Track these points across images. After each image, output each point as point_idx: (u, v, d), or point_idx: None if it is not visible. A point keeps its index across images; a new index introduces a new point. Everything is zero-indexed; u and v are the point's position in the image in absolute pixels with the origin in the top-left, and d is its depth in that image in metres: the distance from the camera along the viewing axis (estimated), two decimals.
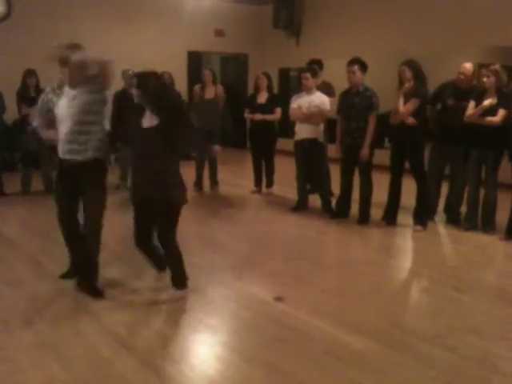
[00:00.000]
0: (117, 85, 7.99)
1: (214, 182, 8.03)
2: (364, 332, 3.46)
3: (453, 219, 6.11)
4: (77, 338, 3.36)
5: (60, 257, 4.97)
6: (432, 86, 5.98)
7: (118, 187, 8.17)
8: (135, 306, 3.86)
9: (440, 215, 6.31)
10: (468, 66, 5.81)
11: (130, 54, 9.89)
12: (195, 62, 11.95)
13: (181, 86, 9.20)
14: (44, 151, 7.59)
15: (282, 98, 8.01)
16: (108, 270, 4.57)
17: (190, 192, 7.24)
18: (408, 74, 5.64)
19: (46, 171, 7.72)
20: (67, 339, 3.34)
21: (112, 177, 8.46)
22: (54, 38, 9.71)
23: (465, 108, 5.62)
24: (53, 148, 4.11)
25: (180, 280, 3.96)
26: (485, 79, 5.48)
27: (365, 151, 5.89)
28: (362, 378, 2.93)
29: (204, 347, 3.38)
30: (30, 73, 7.33)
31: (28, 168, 7.62)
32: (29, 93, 7.35)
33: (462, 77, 5.80)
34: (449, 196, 6.21)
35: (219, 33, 11.96)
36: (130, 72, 7.95)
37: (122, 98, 7.92)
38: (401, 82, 5.71)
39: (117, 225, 6.42)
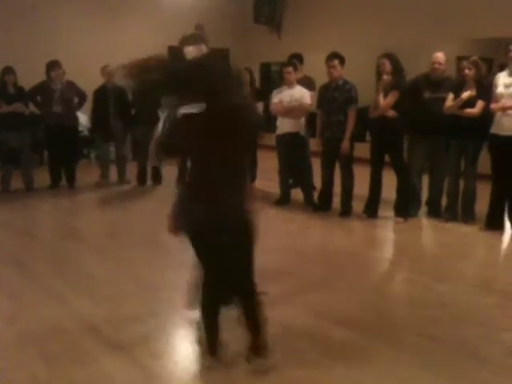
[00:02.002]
0: (97, 81, 7.97)
1: None
2: (347, 323, 3.49)
3: (434, 211, 6.16)
4: (60, 336, 3.34)
5: (43, 256, 4.96)
6: (410, 78, 6.02)
7: (98, 185, 8.13)
8: (117, 302, 3.84)
9: (422, 207, 6.35)
10: (440, 55, 5.85)
11: (111, 49, 9.81)
12: (175, 57, 11.87)
13: None
14: (25, 149, 7.53)
15: (263, 93, 8.00)
16: (92, 265, 4.56)
17: (172, 189, 7.22)
18: (388, 66, 5.68)
19: (27, 169, 7.66)
20: (51, 337, 3.32)
21: (93, 175, 8.43)
22: (33, 36, 9.69)
23: (441, 99, 5.67)
24: None
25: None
26: (466, 71, 5.51)
27: (345, 144, 5.92)
28: (347, 369, 2.95)
29: (187, 343, 3.38)
30: (8, 70, 7.25)
31: (8, 166, 7.53)
32: (7, 90, 7.28)
33: (436, 66, 5.83)
34: (430, 188, 6.25)
35: (200, 27, 11.90)
36: (109, 68, 7.91)
37: (101, 94, 7.91)
38: (379, 75, 5.75)
39: (99, 224, 6.40)
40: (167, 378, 2.94)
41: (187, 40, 3.30)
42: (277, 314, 3.63)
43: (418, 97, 5.89)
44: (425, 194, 6.30)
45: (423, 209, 6.29)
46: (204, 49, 3.29)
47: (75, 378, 2.88)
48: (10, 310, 3.71)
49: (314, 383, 2.84)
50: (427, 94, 5.86)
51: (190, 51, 3.27)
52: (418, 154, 6.06)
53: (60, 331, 3.40)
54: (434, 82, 5.87)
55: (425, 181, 6.22)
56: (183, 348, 3.34)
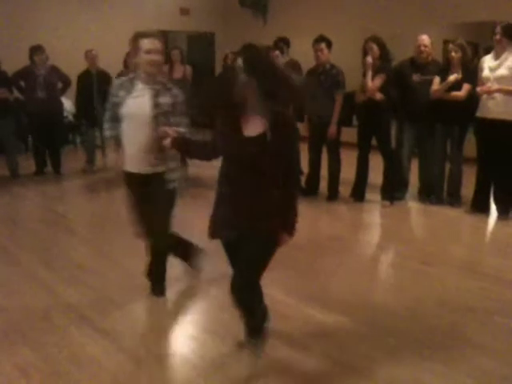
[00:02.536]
0: (81, 66, 7.87)
1: (183, 162, 7.96)
2: (334, 308, 3.51)
3: (426, 195, 6.14)
4: (46, 324, 3.32)
5: (28, 244, 4.91)
6: (396, 62, 6.01)
7: (85, 171, 8.06)
8: (103, 290, 3.83)
9: (410, 191, 6.35)
10: (425, 37, 5.84)
11: (96, 34, 9.72)
12: None
13: None
14: (9, 136, 7.43)
15: None
16: (77, 254, 4.53)
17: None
18: (376, 51, 5.66)
19: (11, 156, 7.56)
20: (37, 325, 3.31)
21: (78, 161, 8.36)
22: (16, 21, 9.51)
23: (430, 82, 5.66)
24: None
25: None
26: (453, 54, 5.52)
27: (332, 129, 5.91)
28: (335, 352, 2.98)
29: (175, 327, 3.39)
30: None
31: None
32: None
33: (422, 48, 5.81)
34: (421, 174, 6.21)
35: (185, 11, 11.78)
36: (93, 52, 7.82)
37: (85, 78, 7.82)
38: (365, 57, 5.73)
39: (85, 211, 6.36)
40: (154, 362, 2.94)
41: (143, 34, 3.34)
42: (266, 301, 3.65)
43: (404, 82, 5.87)
44: (412, 178, 6.31)
45: (413, 194, 6.30)
46: (157, 43, 3.30)
47: (62, 364, 2.87)
48: None
49: (305, 366, 2.85)
50: (416, 78, 5.84)
51: (145, 44, 3.27)
52: (406, 139, 6.05)
53: (46, 319, 3.38)
54: (421, 65, 5.85)
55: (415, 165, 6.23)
56: (172, 332, 3.35)
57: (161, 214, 3.52)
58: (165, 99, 3.34)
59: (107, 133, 3.56)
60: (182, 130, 3.18)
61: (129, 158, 3.45)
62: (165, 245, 3.64)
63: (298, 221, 2.63)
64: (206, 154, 2.85)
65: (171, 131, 2.94)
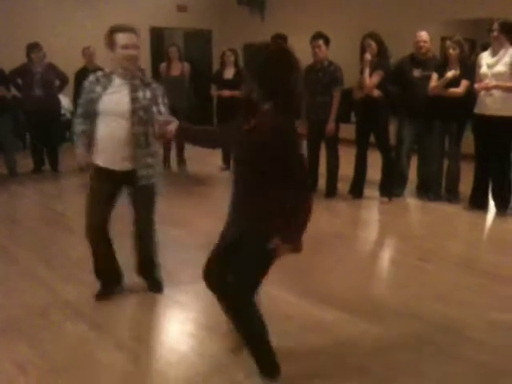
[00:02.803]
0: (78, 63, 7.85)
1: (181, 160, 7.97)
2: (334, 304, 3.51)
3: (425, 191, 6.14)
4: (44, 320, 3.32)
5: (27, 242, 4.90)
6: (394, 59, 6.01)
7: (82, 169, 8.03)
8: None
9: (408, 187, 6.35)
10: (423, 33, 5.85)
11: (92, 31, 9.63)
12: (157, 38, 11.76)
13: (143, 62, 9.03)
14: (6, 134, 7.41)
15: None
16: (76, 252, 4.52)
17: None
18: (374, 47, 5.66)
19: (9, 154, 7.54)
20: (35, 322, 3.31)
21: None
22: (13, 18, 9.48)
23: (430, 78, 5.66)
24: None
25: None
26: (451, 51, 5.52)
27: (330, 126, 5.91)
28: (335, 349, 2.98)
29: (174, 324, 3.39)
30: None
31: None
32: None
33: (421, 44, 5.82)
34: (419, 171, 6.23)
35: (182, 8, 11.76)
36: (91, 49, 7.80)
37: (83, 76, 7.80)
38: (363, 54, 5.72)
39: (83, 209, 6.34)
40: (152, 359, 2.95)
41: (118, 28, 3.27)
42: (264, 297, 3.65)
43: (404, 78, 5.87)
44: (411, 175, 6.31)
45: (411, 190, 6.29)
46: (134, 38, 3.26)
47: (59, 361, 2.88)
48: None
49: (305, 363, 2.86)
50: (417, 73, 5.84)
51: (121, 38, 3.22)
52: (406, 135, 6.05)
53: (44, 316, 3.38)
54: (422, 61, 5.86)
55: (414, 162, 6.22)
56: (171, 329, 3.35)
57: (143, 211, 3.52)
58: (143, 94, 3.31)
59: (80, 127, 3.45)
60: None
61: (104, 155, 3.39)
62: (150, 241, 3.64)
63: (305, 226, 2.59)
64: (210, 140, 2.86)
65: (173, 119, 2.90)
